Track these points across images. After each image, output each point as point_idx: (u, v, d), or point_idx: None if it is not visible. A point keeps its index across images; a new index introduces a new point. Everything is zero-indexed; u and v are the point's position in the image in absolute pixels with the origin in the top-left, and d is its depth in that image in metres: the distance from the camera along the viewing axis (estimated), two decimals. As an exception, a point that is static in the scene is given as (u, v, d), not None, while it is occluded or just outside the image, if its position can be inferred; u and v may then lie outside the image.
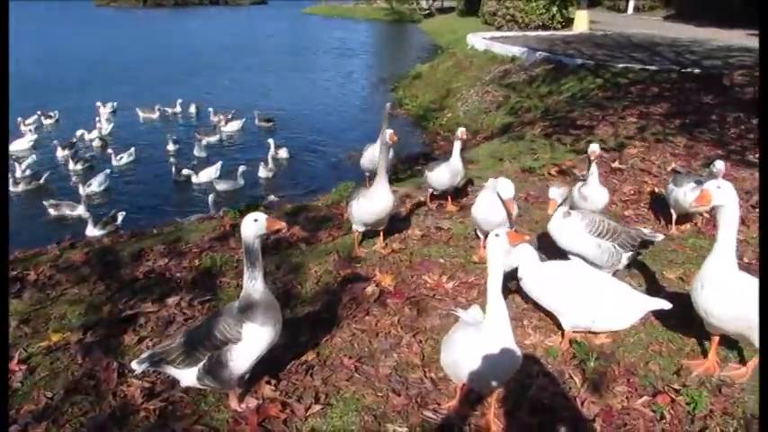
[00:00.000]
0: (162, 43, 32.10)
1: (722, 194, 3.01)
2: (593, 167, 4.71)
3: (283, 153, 12.70)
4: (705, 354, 3.43)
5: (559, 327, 3.64)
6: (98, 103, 16.22)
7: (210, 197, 9.78)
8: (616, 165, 7.14)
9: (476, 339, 2.73)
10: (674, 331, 3.68)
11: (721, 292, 3.02)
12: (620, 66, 13.01)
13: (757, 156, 7.41)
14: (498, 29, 23.21)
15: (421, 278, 4.44)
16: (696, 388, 3.15)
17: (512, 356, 2.72)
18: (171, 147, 13.12)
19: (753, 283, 2.99)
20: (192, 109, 16.75)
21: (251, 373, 3.08)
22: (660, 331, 3.67)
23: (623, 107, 10.12)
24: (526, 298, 4.09)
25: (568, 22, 22.24)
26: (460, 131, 5.59)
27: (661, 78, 11.76)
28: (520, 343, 3.59)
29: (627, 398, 3.13)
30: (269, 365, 3.27)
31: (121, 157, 12.36)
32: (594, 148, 4.69)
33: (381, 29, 43.58)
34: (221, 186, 10.88)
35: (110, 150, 12.65)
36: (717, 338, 3.31)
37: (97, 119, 14.93)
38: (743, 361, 3.38)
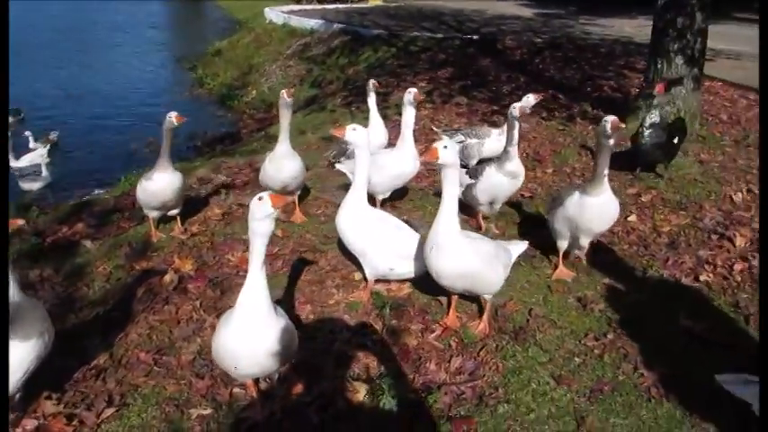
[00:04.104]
0: None
1: (447, 154, 2.91)
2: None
3: (53, 136, 10.92)
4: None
5: (364, 278, 3.81)
6: None
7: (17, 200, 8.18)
8: (410, 126, 7.63)
9: (224, 330, 2.51)
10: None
11: (450, 253, 3.07)
12: (412, 35, 13.82)
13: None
14: (297, 2, 23.03)
15: (224, 258, 4.30)
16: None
17: (267, 343, 2.46)
18: None
19: (476, 240, 3.19)
20: None
21: (23, 392, 2.71)
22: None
23: (415, 73, 10.81)
24: (330, 261, 4.21)
25: (365, -4, 22.99)
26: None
27: (446, 45, 12.78)
28: (324, 303, 3.72)
29: (421, 334, 3.41)
30: (49, 379, 2.91)
31: None
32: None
33: (174, 4, 40.48)
34: (28, 186, 9.22)
35: None
36: (455, 297, 3.49)
37: None
38: (480, 314, 3.62)
